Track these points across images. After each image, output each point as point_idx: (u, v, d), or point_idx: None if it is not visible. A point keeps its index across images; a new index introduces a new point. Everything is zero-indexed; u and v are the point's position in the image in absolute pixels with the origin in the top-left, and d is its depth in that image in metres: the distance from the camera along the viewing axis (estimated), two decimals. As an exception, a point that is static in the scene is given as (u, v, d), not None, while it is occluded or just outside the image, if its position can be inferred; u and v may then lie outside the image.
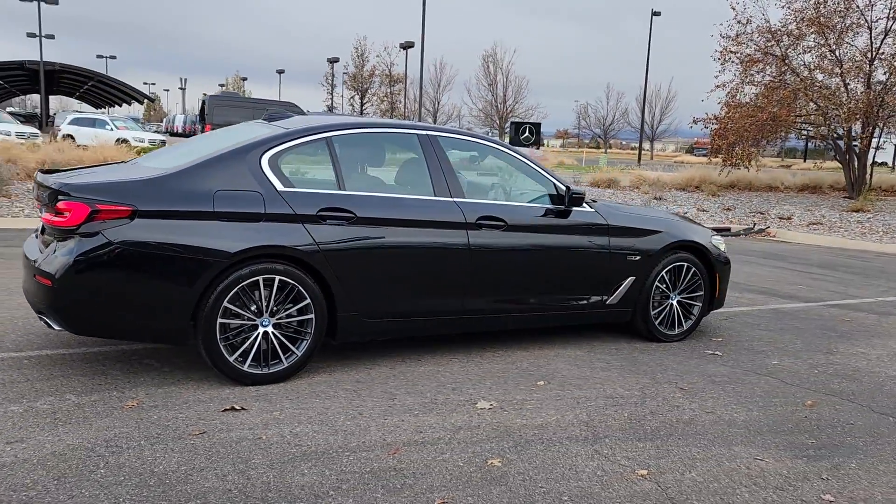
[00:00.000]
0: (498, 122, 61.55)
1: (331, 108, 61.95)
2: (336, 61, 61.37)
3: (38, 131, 28.59)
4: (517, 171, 5.34)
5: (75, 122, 31.47)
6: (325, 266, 4.28)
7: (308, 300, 4.26)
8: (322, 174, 4.60)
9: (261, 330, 4.18)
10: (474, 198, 4.96)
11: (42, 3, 41.06)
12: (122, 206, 3.87)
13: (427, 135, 4.89)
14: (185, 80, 72.93)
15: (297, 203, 4.25)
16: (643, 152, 54.62)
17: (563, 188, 5.22)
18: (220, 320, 4.03)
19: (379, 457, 3.36)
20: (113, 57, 75.04)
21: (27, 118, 46.07)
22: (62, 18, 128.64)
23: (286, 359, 4.26)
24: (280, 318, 4.22)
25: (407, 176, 4.99)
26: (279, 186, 4.25)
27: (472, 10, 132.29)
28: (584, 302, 5.32)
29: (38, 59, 41.98)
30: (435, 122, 71.04)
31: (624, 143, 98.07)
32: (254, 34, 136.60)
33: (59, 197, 3.87)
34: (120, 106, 66.60)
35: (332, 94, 63.47)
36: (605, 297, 5.38)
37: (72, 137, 26.78)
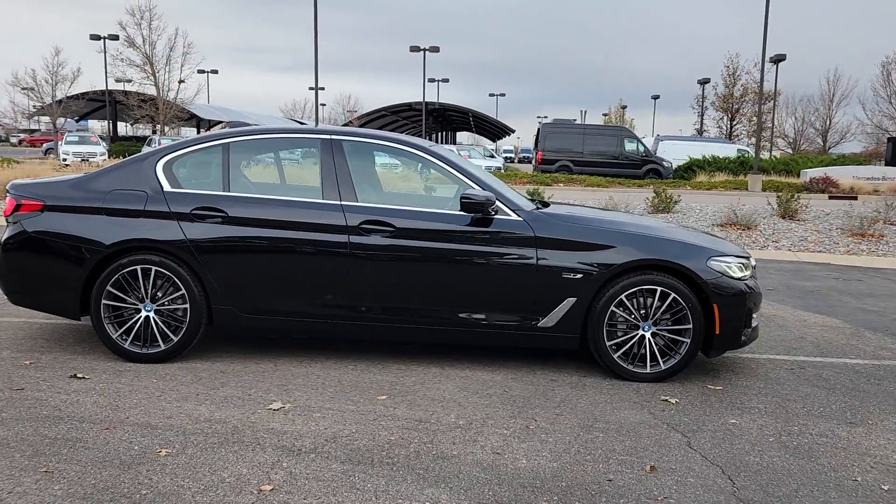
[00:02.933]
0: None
1: (700, 132, 59.44)
2: (706, 82, 58.75)
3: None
4: (444, 178, 5.02)
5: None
6: (195, 260, 4.67)
7: (182, 291, 4.69)
8: (217, 177, 4.99)
9: (143, 314, 4.74)
10: (379, 202, 4.85)
11: (426, 52, 47.65)
12: (35, 202, 4.81)
13: (330, 139, 4.93)
14: (585, 112, 77.47)
15: (175, 202, 4.73)
16: None
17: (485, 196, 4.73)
18: (104, 301, 4.70)
19: (87, 428, 3.67)
20: (502, 94, 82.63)
21: None
22: (460, 64, 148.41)
23: (164, 343, 4.75)
24: (161, 305, 4.73)
25: (301, 179, 5.09)
26: (167, 187, 4.78)
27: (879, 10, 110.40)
28: (501, 322, 4.73)
29: (421, 100, 48.71)
30: (825, 143, 63.24)
31: None
32: (635, 61, 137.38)
33: (7, 194, 4.97)
34: (500, 137, 73.16)
35: (702, 116, 60.80)
36: (534, 320, 4.72)
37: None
